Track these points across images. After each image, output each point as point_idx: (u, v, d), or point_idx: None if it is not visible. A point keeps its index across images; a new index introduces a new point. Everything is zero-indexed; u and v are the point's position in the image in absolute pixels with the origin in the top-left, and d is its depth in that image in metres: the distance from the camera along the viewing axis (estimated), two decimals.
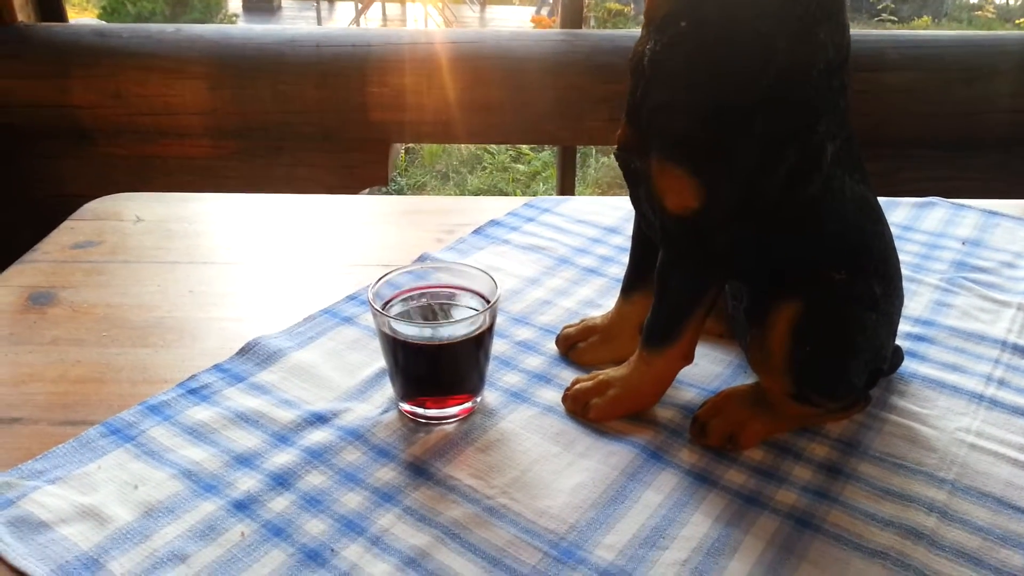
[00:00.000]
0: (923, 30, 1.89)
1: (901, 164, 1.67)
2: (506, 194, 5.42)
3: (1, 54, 1.55)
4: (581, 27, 1.77)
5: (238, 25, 1.69)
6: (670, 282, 0.63)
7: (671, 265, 0.62)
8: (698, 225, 0.59)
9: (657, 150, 0.58)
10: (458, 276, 0.70)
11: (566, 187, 1.86)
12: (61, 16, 1.69)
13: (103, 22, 2.49)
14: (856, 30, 1.79)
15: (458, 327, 0.64)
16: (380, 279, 0.68)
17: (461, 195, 5.42)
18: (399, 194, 5.12)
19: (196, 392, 0.67)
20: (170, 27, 1.60)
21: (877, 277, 0.62)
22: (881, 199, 1.08)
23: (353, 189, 1.74)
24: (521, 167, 5.50)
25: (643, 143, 0.60)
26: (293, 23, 9.65)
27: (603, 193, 5.50)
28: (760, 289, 0.63)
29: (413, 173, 5.57)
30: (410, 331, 0.64)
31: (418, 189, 5.58)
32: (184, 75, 1.56)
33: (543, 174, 5.41)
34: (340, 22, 9.47)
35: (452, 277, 0.71)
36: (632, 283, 0.73)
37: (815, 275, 0.61)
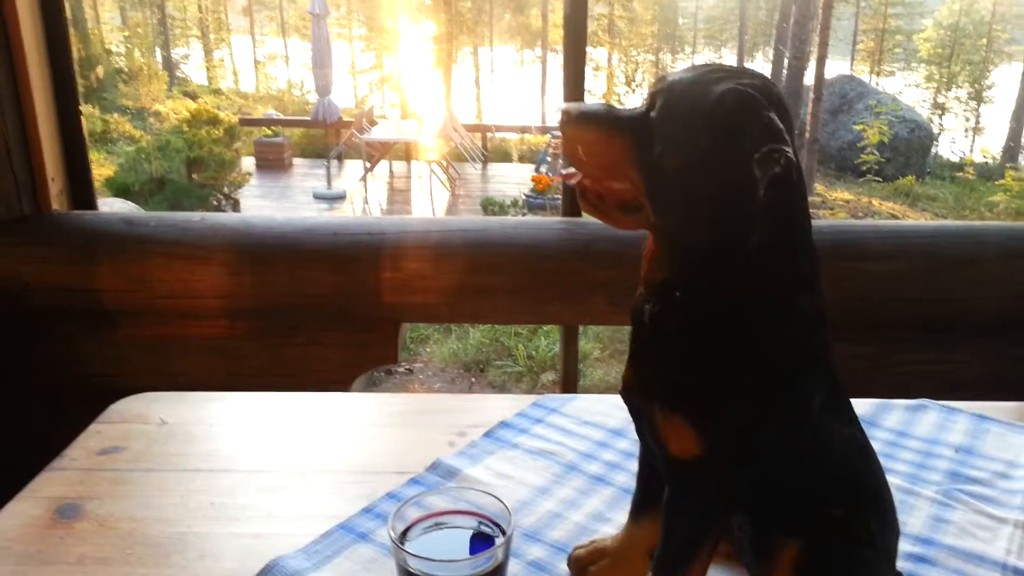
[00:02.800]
0: (904, 221, 1.98)
1: (892, 347, 1.73)
2: (508, 348, 5.51)
3: (34, 241, 1.63)
4: (580, 216, 1.88)
5: (260, 215, 1.82)
6: (677, 519, 0.66)
7: (677, 503, 0.66)
8: (701, 469, 0.63)
9: (660, 400, 0.63)
10: (474, 499, 0.74)
11: (569, 367, 1.91)
12: (92, 204, 1.80)
13: (133, 209, 2.61)
14: (840, 221, 1.91)
15: (475, 563, 0.66)
16: (398, 508, 0.71)
17: (464, 348, 5.52)
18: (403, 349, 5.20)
19: None
20: (196, 216, 1.70)
21: (872, 513, 0.66)
22: (872, 401, 1.13)
23: (363, 368, 1.79)
24: None
25: (645, 387, 0.66)
26: (304, 180, 10.08)
27: (604, 348, 5.59)
28: (763, 523, 0.67)
29: (416, 327, 5.66)
30: (428, 568, 0.66)
31: (421, 342, 5.67)
32: (207, 261, 1.64)
33: (544, 328, 5.50)
34: (349, 180, 9.89)
35: (469, 500, 0.74)
36: (640, 507, 0.76)
37: (813, 514, 0.64)
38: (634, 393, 0.67)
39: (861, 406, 1.12)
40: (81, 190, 1.79)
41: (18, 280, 1.60)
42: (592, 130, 0.63)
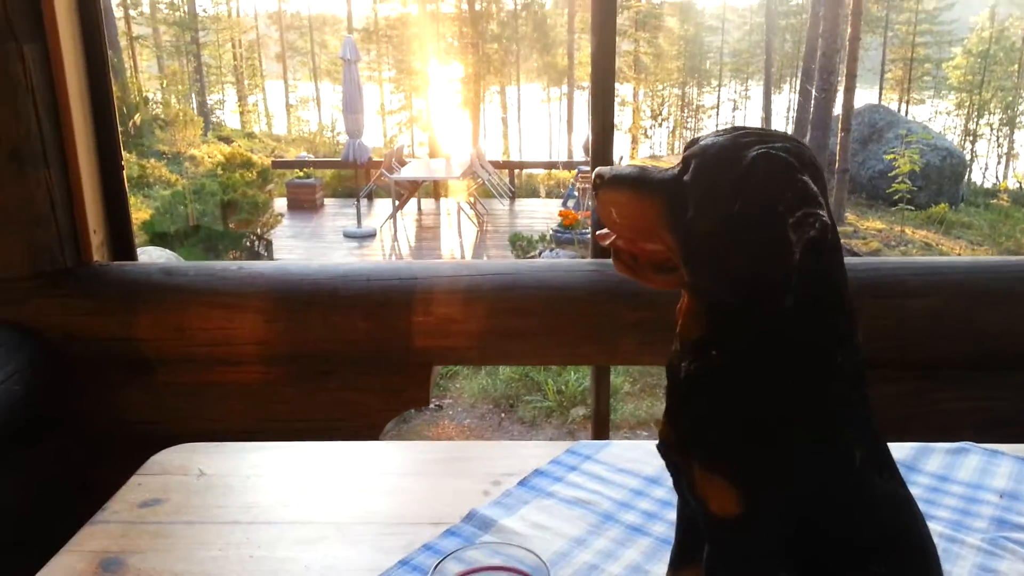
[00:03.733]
0: (939, 257, 1.95)
1: (933, 385, 1.70)
2: (537, 383, 5.51)
3: (76, 293, 1.67)
4: (610, 256, 1.88)
5: (296, 262, 1.86)
6: None
7: (718, 560, 0.65)
8: (740, 527, 0.62)
9: (699, 458, 0.63)
10: (513, 553, 0.74)
11: (600, 407, 1.91)
12: (132, 254, 1.85)
13: (171, 258, 2.67)
14: (874, 259, 1.90)
15: None
16: (437, 563, 0.71)
17: (493, 384, 5.52)
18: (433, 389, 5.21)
19: None
20: (233, 265, 1.74)
21: (916, 570, 0.65)
22: (913, 445, 1.12)
23: (396, 410, 1.80)
24: None
25: (683, 443, 0.66)
26: (335, 219, 10.23)
27: (635, 382, 5.56)
28: None
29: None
30: None
31: (450, 378, 5.69)
32: (244, 309, 1.67)
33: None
34: (378, 218, 10.01)
35: (507, 554, 0.74)
36: (679, 560, 0.76)
37: (855, 571, 0.63)
38: (671, 449, 0.67)
39: (900, 450, 1.10)
40: (122, 240, 1.84)
41: (60, 331, 1.64)
42: (625, 193, 0.64)
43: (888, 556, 0.64)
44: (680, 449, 0.65)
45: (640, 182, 0.63)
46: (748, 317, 0.59)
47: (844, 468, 0.62)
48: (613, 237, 0.66)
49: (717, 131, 0.62)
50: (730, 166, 0.59)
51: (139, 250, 1.96)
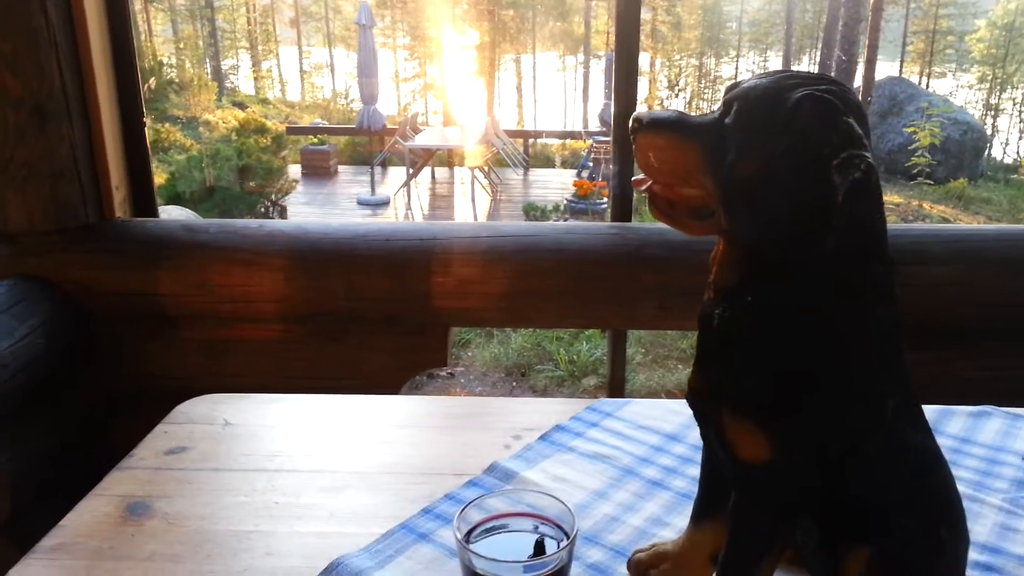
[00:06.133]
0: (964, 225, 1.94)
1: (958, 353, 1.70)
2: (549, 352, 5.52)
3: (99, 248, 1.68)
4: (630, 220, 1.87)
5: (316, 221, 1.85)
6: (744, 525, 0.66)
7: (745, 508, 0.65)
8: (769, 474, 0.62)
9: (729, 404, 0.63)
10: (535, 502, 0.74)
11: (616, 372, 1.91)
12: (153, 212, 1.85)
13: (191, 216, 2.67)
14: (899, 225, 1.88)
15: (541, 563, 0.67)
16: (462, 509, 0.72)
17: (506, 353, 5.54)
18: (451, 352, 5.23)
19: None
20: (254, 223, 1.74)
21: (943, 522, 0.65)
22: (935, 407, 1.11)
23: (413, 370, 1.81)
24: None
25: (713, 391, 0.66)
26: (348, 187, 10.22)
27: (647, 353, 5.57)
28: (831, 529, 0.66)
29: (458, 332, 5.69)
30: (494, 568, 0.67)
31: (463, 346, 5.70)
32: (264, 267, 1.67)
33: (586, 332, 5.49)
34: (392, 186, 9.99)
35: (529, 503, 0.74)
36: (702, 512, 0.76)
37: (882, 522, 0.64)
38: (701, 397, 0.67)
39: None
40: (143, 198, 1.84)
41: (83, 285, 1.65)
42: (664, 137, 0.63)
43: (916, 508, 0.64)
44: (710, 397, 0.65)
45: (679, 125, 0.63)
46: (786, 264, 0.58)
47: (876, 418, 0.62)
48: (649, 183, 0.65)
49: (759, 74, 0.61)
50: (774, 108, 0.58)
51: (160, 208, 1.96)
